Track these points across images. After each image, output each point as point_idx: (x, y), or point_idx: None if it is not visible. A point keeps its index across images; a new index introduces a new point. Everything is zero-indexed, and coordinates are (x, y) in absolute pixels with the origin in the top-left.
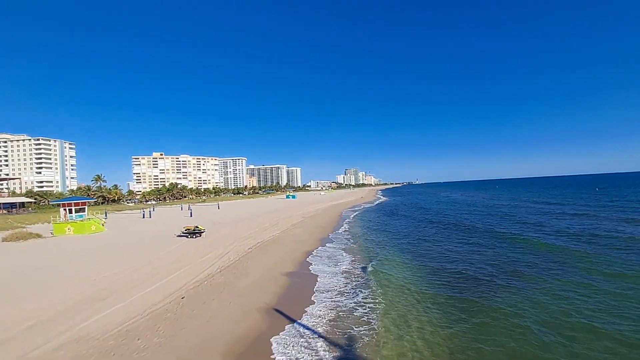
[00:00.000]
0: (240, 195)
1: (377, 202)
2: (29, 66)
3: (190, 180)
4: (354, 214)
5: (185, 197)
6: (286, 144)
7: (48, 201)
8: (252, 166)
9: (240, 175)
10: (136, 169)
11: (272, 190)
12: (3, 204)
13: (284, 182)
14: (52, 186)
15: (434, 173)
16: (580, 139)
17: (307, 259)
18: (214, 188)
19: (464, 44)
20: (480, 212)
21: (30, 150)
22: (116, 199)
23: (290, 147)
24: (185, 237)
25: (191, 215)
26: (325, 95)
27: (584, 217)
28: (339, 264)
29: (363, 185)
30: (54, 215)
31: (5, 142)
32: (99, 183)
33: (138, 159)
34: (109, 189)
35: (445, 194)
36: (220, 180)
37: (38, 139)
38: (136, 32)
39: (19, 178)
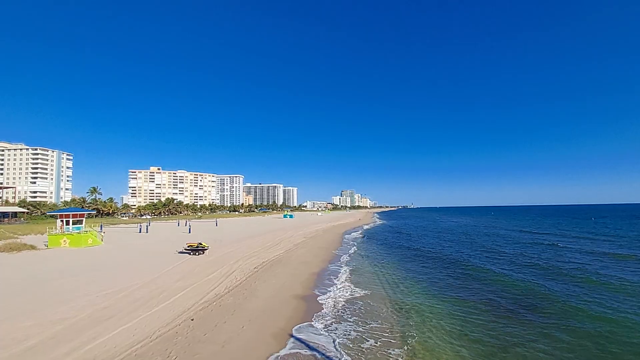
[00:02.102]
0: (237, 212)
1: (377, 224)
2: (28, 75)
3: (186, 196)
4: (356, 235)
5: (180, 212)
6: (283, 164)
7: (41, 212)
8: (248, 184)
9: (237, 193)
10: (132, 183)
11: (269, 209)
12: None
13: (280, 201)
14: (45, 197)
15: (430, 198)
16: (574, 168)
17: (316, 282)
18: (210, 205)
19: (464, 63)
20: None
21: (27, 159)
22: (110, 212)
23: (287, 167)
24: (187, 254)
25: (190, 232)
26: (323, 117)
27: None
28: (348, 291)
29: (359, 207)
30: (49, 226)
31: (2, 150)
32: (94, 195)
33: (135, 172)
34: (104, 201)
35: (441, 219)
36: (217, 197)
37: (36, 149)
38: (137, 46)
39: (14, 187)
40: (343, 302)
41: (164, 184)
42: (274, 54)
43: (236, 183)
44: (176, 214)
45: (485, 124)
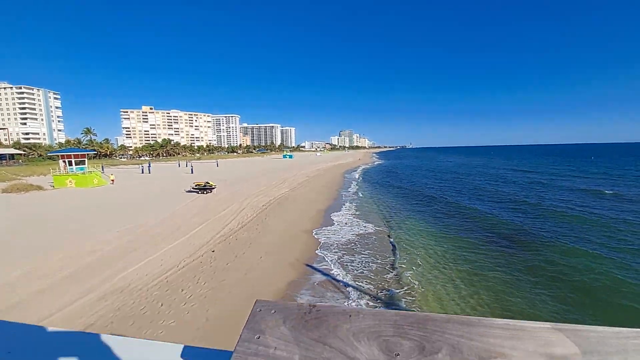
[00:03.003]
0: (235, 154)
1: (376, 163)
2: (11, 12)
3: (182, 137)
4: (356, 174)
5: (178, 153)
6: (280, 104)
7: (38, 153)
8: (245, 125)
9: (234, 134)
10: (125, 123)
11: (267, 150)
12: None
13: (277, 142)
14: (39, 138)
15: (429, 138)
16: (579, 107)
17: (324, 217)
18: (207, 146)
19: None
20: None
21: (13, 99)
22: (108, 153)
23: (284, 107)
24: (195, 193)
25: (192, 172)
26: (322, 55)
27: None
28: (355, 224)
29: (357, 147)
30: (48, 167)
31: None
32: (89, 136)
33: (127, 112)
34: (100, 143)
35: (437, 158)
36: (214, 138)
37: (20, 87)
38: None
39: (6, 128)
40: (350, 236)
41: (158, 125)
42: None
43: (232, 123)
44: (174, 155)
45: (488, 68)
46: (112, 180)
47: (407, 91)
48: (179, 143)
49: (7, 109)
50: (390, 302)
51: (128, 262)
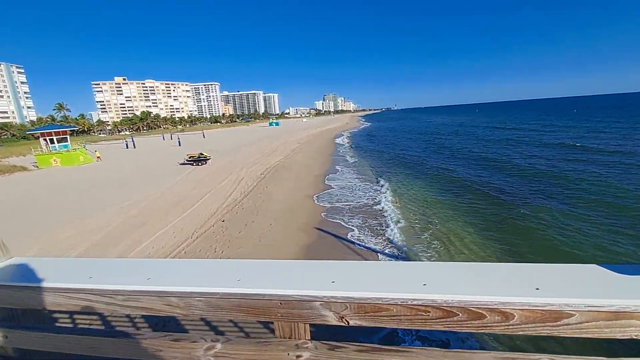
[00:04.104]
0: (218, 124)
1: (362, 127)
2: None
3: (161, 109)
4: (346, 138)
5: (159, 126)
6: (261, 69)
7: (10, 133)
8: (226, 92)
9: (215, 103)
10: (99, 97)
11: (251, 118)
12: None
13: (261, 109)
14: (8, 117)
15: (414, 98)
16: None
17: (323, 182)
18: (189, 117)
19: None
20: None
21: None
22: (86, 129)
23: (266, 73)
24: (190, 165)
25: (180, 145)
26: (301, 20)
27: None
28: (352, 187)
29: (342, 111)
30: (25, 147)
31: None
32: (62, 112)
33: (99, 84)
34: (76, 119)
35: (419, 118)
36: (194, 109)
37: None
38: None
39: None
40: (349, 197)
41: (134, 97)
42: None
43: (212, 92)
44: (155, 128)
45: (474, 26)
46: (98, 157)
47: (390, 53)
48: (159, 115)
49: None
50: (396, 249)
51: (140, 236)
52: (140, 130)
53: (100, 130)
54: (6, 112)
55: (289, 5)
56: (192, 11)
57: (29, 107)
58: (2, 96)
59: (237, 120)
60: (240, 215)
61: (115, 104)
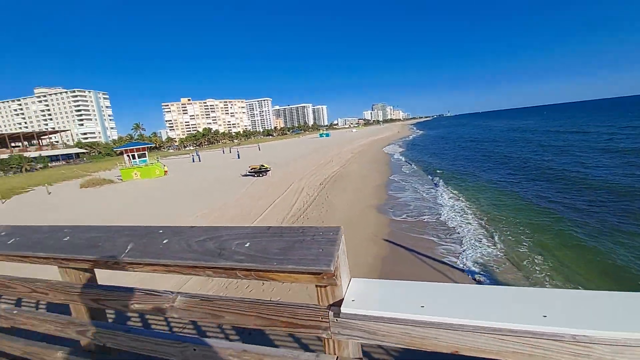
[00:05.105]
0: (270, 136)
1: (414, 135)
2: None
3: (220, 125)
4: (400, 147)
5: (218, 141)
6: (309, 82)
7: (97, 151)
8: (277, 107)
9: (267, 117)
10: (167, 117)
11: (301, 130)
12: (62, 155)
13: (310, 121)
14: (95, 137)
15: (467, 104)
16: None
17: (385, 193)
18: (244, 131)
19: None
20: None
21: (69, 102)
22: (157, 146)
23: (314, 86)
24: (252, 176)
25: (239, 157)
26: (347, 27)
27: None
28: (419, 191)
29: (391, 120)
30: (109, 163)
31: (45, 96)
32: (138, 131)
33: (168, 105)
34: (149, 137)
35: (480, 123)
36: (248, 123)
37: (74, 91)
38: None
39: (68, 130)
40: (413, 208)
41: (197, 115)
42: None
43: (265, 107)
44: (214, 142)
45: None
46: (165, 171)
47: (440, 56)
48: (218, 131)
49: (65, 112)
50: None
51: None
52: (202, 145)
53: (169, 146)
54: (94, 133)
55: (336, 21)
56: (247, 33)
57: (111, 128)
58: (91, 119)
59: (288, 132)
60: (308, 224)
61: (181, 122)
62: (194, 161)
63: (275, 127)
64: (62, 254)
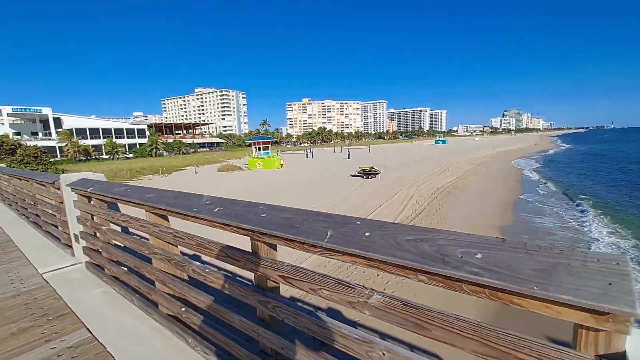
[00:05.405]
0: (382, 139)
1: (558, 150)
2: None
3: (334, 125)
4: (534, 161)
5: (330, 140)
6: (429, 85)
7: (232, 142)
8: (392, 110)
9: (380, 120)
10: (289, 115)
11: (414, 135)
12: (208, 143)
13: (426, 126)
14: (232, 130)
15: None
16: None
17: (512, 213)
18: (356, 132)
19: None
20: None
21: (217, 99)
22: (278, 141)
23: (434, 89)
24: (360, 177)
25: (349, 157)
26: (473, 30)
27: None
28: (563, 217)
29: (527, 130)
30: (239, 153)
31: (201, 94)
32: (264, 127)
33: (291, 105)
34: (272, 132)
35: None
36: (361, 124)
37: (222, 91)
38: None
39: (214, 123)
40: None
41: (314, 114)
42: None
43: (379, 109)
44: (327, 141)
45: None
46: (282, 164)
47: (598, 53)
48: (331, 130)
49: (212, 108)
50: None
51: None
52: (315, 143)
53: (288, 141)
54: (232, 126)
55: (458, 24)
56: (367, 37)
57: (245, 123)
58: (231, 114)
59: (400, 136)
60: None
61: (299, 121)
62: (307, 157)
63: (387, 130)
64: (261, 228)
